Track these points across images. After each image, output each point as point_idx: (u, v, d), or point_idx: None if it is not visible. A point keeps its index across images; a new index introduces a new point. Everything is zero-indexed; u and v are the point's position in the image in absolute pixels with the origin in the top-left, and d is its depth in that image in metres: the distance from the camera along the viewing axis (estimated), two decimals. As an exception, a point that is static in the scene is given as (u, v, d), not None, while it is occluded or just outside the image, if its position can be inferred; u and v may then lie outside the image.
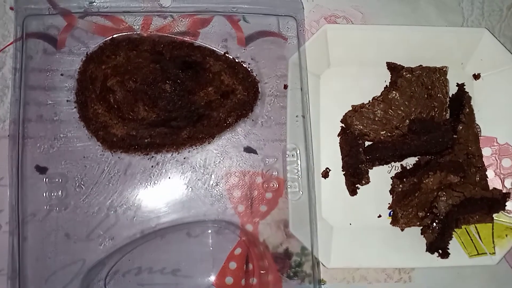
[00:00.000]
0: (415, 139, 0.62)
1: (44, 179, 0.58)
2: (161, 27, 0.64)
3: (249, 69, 0.63)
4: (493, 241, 0.65)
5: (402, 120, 0.64)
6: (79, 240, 0.59)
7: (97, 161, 0.59)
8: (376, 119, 0.64)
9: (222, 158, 0.63)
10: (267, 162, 0.62)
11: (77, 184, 0.59)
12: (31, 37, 0.61)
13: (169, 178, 0.60)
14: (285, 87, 0.63)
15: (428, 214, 0.63)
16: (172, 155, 0.61)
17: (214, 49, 0.62)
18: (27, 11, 0.60)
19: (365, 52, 0.67)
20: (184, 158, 0.61)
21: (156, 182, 0.60)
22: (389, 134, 0.64)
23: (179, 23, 0.64)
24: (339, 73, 0.68)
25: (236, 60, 0.62)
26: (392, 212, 0.66)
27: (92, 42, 0.62)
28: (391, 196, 0.66)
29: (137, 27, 0.64)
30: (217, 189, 0.63)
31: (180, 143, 0.60)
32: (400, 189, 0.63)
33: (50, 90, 0.60)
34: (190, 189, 0.61)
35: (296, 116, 0.63)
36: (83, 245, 0.59)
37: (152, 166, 0.60)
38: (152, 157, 0.60)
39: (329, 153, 0.67)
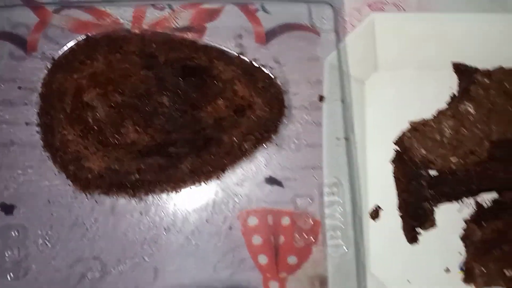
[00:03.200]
0: (499, 169, 0.46)
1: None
2: (156, 21, 0.50)
3: (271, 75, 0.48)
4: None
5: (480, 142, 0.48)
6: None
7: (68, 206, 0.45)
8: (444, 140, 0.48)
9: (235, 194, 0.48)
10: (297, 201, 0.47)
11: (40, 240, 0.44)
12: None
13: (165, 228, 0.45)
14: (321, 99, 0.48)
15: (519, 272, 0.47)
16: (168, 195, 0.46)
17: (224, 49, 0.48)
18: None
19: (424, 49, 0.52)
20: (184, 199, 0.46)
21: (147, 233, 0.45)
22: (462, 162, 0.48)
23: (179, 16, 0.51)
24: (390, 78, 0.53)
25: (254, 64, 0.48)
26: (464, 266, 0.50)
27: (70, 43, 0.49)
28: (463, 243, 0.50)
29: (127, 22, 0.50)
30: (230, 235, 0.48)
31: (180, 179, 0.46)
32: (479, 238, 0.47)
33: (5, 108, 0.47)
34: (193, 241, 0.46)
35: (337, 139, 0.47)
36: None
37: (141, 213, 0.45)
38: (142, 199, 0.45)
39: (380, 186, 0.51)
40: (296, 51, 0.50)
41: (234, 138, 0.46)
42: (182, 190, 0.46)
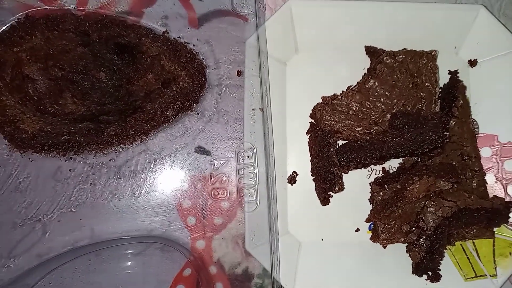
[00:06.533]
0: (397, 136, 0.51)
1: None
2: (99, 6, 0.54)
3: (194, 51, 0.52)
4: (495, 261, 0.54)
5: (382, 114, 0.53)
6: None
7: (3, 163, 0.49)
8: (351, 113, 0.53)
9: (162, 159, 0.52)
10: (216, 164, 0.51)
11: (-23, 193, 0.48)
12: None
13: (91, 184, 0.50)
14: (239, 73, 0.53)
15: (414, 228, 0.52)
16: (95, 156, 0.50)
17: (151, 27, 0.52)
18: None
19: (340, 34, 0.57)
20: (110, 160, 0.50)
21: (75, 189, 0.50)
22: (366, 131, 0.53)
23: (120, 2, 0.55)
24: (308, 59, 0.57)
25: (179, 41, 0.52)
26: (372, 226, 0.55)
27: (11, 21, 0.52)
28: (372, 206, 0.55)
29: (72, 6, 0.54)
30: (159, 198, 0.52)
31: (105, 141, 0.50)
32: (380, 198, 0.52)
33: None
34: (118, 197, 0.50)
35: (253, 109, 0.52)
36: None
37: (70, 170, 0.50)
38: (71, 158, 0.50)
39: (297, 154, 0.56)
40: (223, 33, 0.54)
41: (157, 106, 0.50)
42: (108, 152, 0.50)
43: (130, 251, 0.54)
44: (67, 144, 0.49)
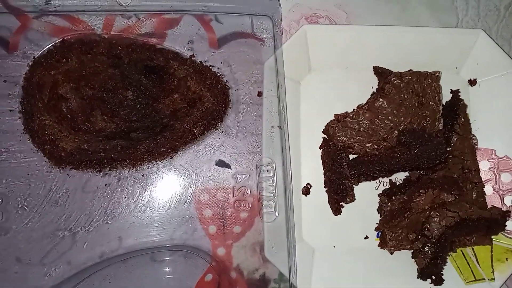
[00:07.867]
0: (404, 152, 0.56)
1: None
2: (124, 28, 0.58)
3: (218, 74, 0.56)
4: (492, 266, 0.59)
5: (390, 131, 0.57)
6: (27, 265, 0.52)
7: (43, 179, 0.52)
8: (361, 129, 0.57)
9: (189, 173, 0.56)
10: (238, 178, 0.56)
11: (19, 206, 0.52)
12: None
13: (125, 197, 0.53)
14: (259, 94, 0.57)
15: (420, 236, 0.56)
16: (129, 171, 0.54)
17: (179, 52, 0.56)
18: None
19: (350, 55, 0.61)
20: (143, 175, 0.54)
21: (110, 202, 0.53)
22: (375, 147, 0.57)
23: (144, 24, 0.58)
24: (321, 79, 0.62)
25: (204, 64, 0.56)
26: (380, 234, 0.59)
27: (48, 45, 0.55)
28: (379, 215, 0.59)
29: (98, 29, 0.57)
30: (184, 209, 0.56)
31: (138, 158, 0.53)
32: (388, 208, 0.57)
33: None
34: (150, 210, 0.54)
35: (272, 127, 0.56)
36: (23, 272, 0.52)
37: (106, 185, 0.53)
38: (106, 174, 0.54)
39: (310, 167, 0.60)
40: (242, 55, 0.58)
41: (185, 125, 0.54)
42: (140, 167, 0.54)
43: (156, 259, 0.58)
44: (103, 161, 0.52)
